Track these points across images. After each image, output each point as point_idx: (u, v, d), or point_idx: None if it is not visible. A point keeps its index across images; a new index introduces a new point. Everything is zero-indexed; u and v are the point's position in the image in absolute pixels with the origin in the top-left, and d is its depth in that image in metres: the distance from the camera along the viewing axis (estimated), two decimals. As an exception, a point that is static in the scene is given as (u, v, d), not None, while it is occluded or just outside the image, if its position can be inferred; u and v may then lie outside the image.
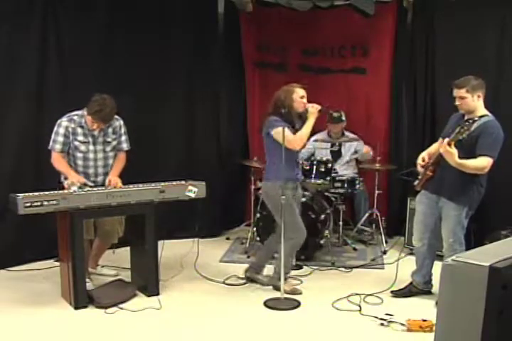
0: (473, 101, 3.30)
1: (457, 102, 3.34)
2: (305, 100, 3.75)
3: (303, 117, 3.75)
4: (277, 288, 3.75)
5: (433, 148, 3.66)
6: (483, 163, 3.21)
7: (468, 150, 3.22)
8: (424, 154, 3.58)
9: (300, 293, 3.80)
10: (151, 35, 4.89)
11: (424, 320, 3.20)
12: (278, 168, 3.63)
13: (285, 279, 3.79)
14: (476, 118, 3.27)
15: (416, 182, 3.63)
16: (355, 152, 5.49)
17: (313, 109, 3.70)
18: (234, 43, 5.57)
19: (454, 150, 3.13)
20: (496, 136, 3.26)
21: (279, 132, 3.57)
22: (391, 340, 3.10)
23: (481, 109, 3.35)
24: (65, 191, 3.48)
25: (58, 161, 3.71)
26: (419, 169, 3.57)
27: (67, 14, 4.45)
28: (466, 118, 3.39)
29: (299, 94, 3.72)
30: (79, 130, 3.71)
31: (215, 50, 5.29)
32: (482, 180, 3.40)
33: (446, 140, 3.16)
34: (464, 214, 3.39)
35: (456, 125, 3.34)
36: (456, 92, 3.32)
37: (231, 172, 5.68)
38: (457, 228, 3.41)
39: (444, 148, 3.15)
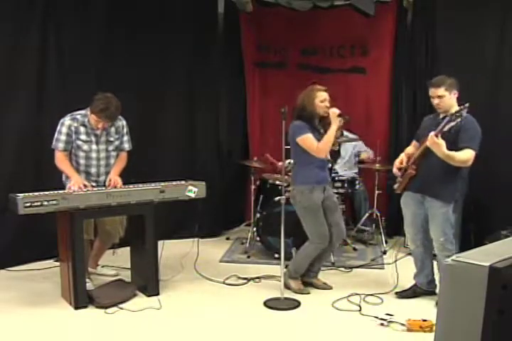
0: (450, 99, 3.34)
1: (436, 101, 3.35)
2: (327, 104, 3.66)
3: (326, 121, 3.67)
4: (286, 286, 3.79)
5: (409, 149, 3.67)
6: (468, 155, 3.24)
7: (447, 146, 3.23)
8: (403, 156, 3.58)
9: (308, 293, 3.82)
10: (151, 35, 4.89)
11: (424, 320, 3.20)
12: (303, 173, 3.67)
13: (296, 278, 3.86)
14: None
15: (396, 186, 3.64)
16: (358, 154, 5.49)
17: (333, 113, 3.60)
18: (234, 43, 5.57)
19: (442, 141, 3.15)
20: (476, 130, 3.29)
21: (304, 139, 3.59)
22: (391, 340, 3.10)
23: (455, 106, 3.38)
24: (65, 191, 3.48)
25: (61, 161, 3.70)
26: (396, 171, 3.58)
27: (67, 14, 4.45)
28: (442, 116, 3.41)
29: (320, 98, 3.65)
30: (82, 129, 3.71)
31: (215, 50, 5.29)
32: (464, 174, 3.42)
33: (433, 132, 3.18)
34: (450, 210, 3.39)
35: (434, 123, 3.37)
36: (434, 92, 3.34)
37: (231, 172, 5.68)
38: (446, 226, 3.40)
39: (431, 139, 3.16)
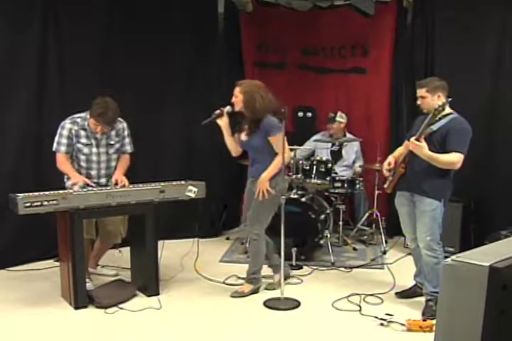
0: (433, 101, 3.36)
1: (418, 102, 3.42)
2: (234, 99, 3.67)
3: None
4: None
5: (398, 151, 3.69)
6: (454, 158, 3.24)
7: (436, 148, 3.25)
8: (390, 158, 3.60)
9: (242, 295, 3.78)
10: (150, 35, 4.89)
11: (424, 320, 3.21)
12: None
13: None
14: (441, 117, 3.32)
15: (386, 185, 3.64)
16: (354, 162, 5.49)
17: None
18: (234, 43, 5.57)
19: (423, 144, 3.19)
20: (465, 132, 3.30)
21: None
22: (391, 340, 3.10)
23: (445, 108, 3.38)
24: (65, 191, 3.48)
25: (63, 163, 3.71)
26: (385, 173, 3.59)
27: (67, 14, 4.46)
28: None
29: None
30: (82, 132, 3.72)
31: (215, 50, 5.29)
32: (452, 176, 3.41)
33: (413, 137, 3.24)
34: (439, 210, 3.37)
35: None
36: (418, 92, 3.41)
37: (231, 172, 5.68)
38: (434, 225, 3.36)
39: (412, 144, 3.21)
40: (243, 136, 3.75)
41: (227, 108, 3.69)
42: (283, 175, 3.71)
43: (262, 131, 3.62)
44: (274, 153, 3.64)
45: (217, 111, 3.70)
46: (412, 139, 3.23)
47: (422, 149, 3.20)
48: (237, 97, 3.61)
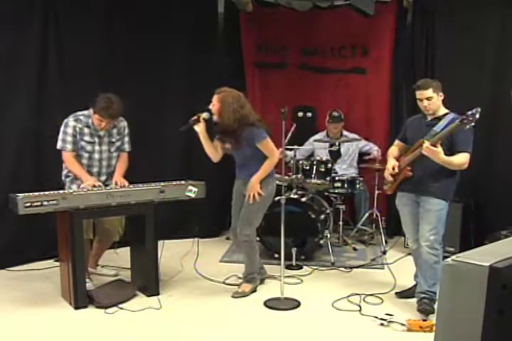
0: (438, 101, 3.39)
1: (425, 104, 3.38)
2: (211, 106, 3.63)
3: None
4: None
5: (394, 150, 3.68)
6: (464, 159, 3.27)
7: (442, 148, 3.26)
8: (394, 162, 3.59)
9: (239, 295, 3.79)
10: (150, 35, 4.89)
11: (424, 320, 3.21)
12: None
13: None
14: (442, 117, 3.35)
15: (387, 186, 3.64)
16: (368, 153, 5.46)
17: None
18: (234, 43, 5.57)
19: (440, 149, 3.20)
20: (469, 131, 3.29)
21: None
22: (391, 340, 3.10)
23: (442, 107, 3.43)
24: (65, 191, 3.49)
25: (71, 162, 3.71)
26: (388, 177, 3.58)
27: (67, 14, 4.46)
28: (430, 118, 3.44)
29: None
30: (85, 130, 3.72)
31: (215, 50, 5.29)
32: (458, 175, 3.42)
33: (427, 142, 3.21)
34: (445, 210, 3.38)
35: (422, 126, 3.41)
36: (422, 94, 3.37)
37: (231, 172, 5.66)
38: (439, 224, 3.37)
39: (428, 149, 3.20)
40: (227, 144, 3.71)
41: (204, 114, 3.65)
42: (273, 176, 3.74)
43: (245, 141, 3.60)
44: (263, 158, 3.63)
45: (194, 117, 3.67)
46: (427, 144, 3.20)
47: (438, 154, 3.20)
48: (215, 105, 3.60)
